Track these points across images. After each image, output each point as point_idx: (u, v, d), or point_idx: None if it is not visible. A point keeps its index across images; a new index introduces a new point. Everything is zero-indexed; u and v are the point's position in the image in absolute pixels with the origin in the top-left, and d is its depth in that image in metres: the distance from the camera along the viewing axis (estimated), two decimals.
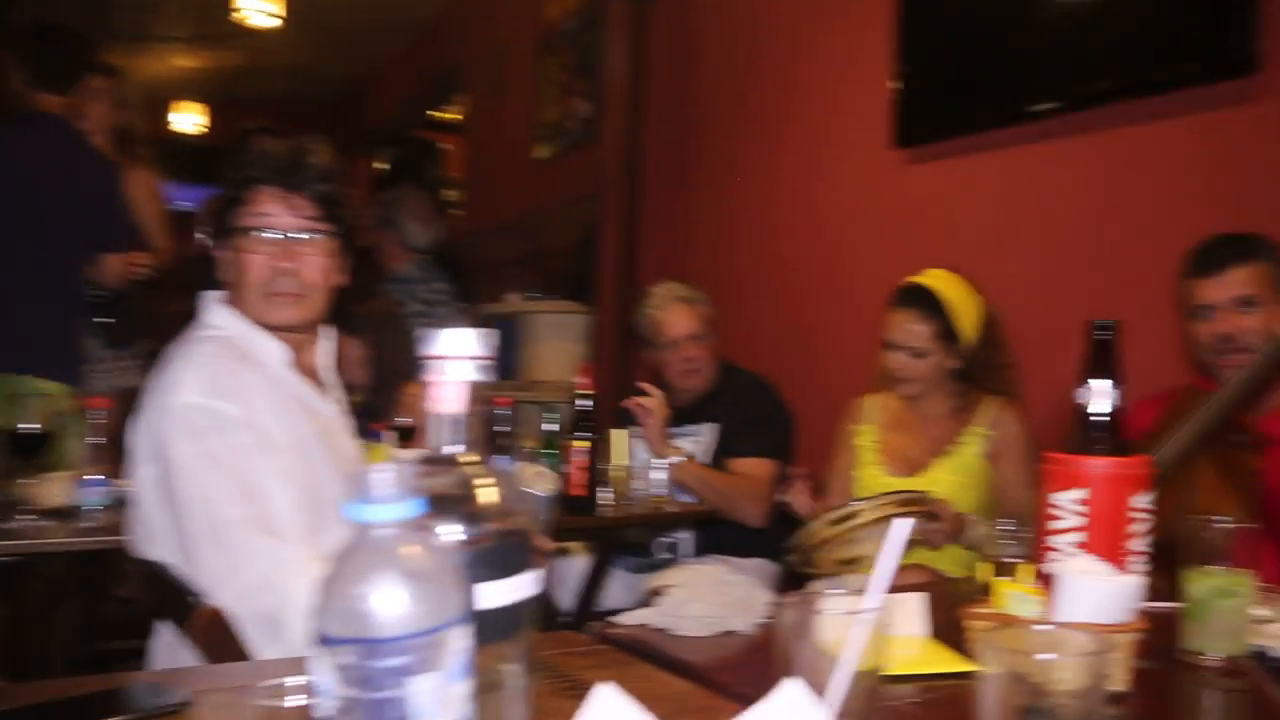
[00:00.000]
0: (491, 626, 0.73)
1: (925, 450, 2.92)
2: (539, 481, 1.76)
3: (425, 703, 0.59)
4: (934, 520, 2.53)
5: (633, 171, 5.29)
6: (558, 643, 1.49)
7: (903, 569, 2.51)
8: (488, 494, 0.74)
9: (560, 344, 5.69)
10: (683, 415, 3.50)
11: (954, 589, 2.15)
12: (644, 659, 1.40)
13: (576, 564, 3.32)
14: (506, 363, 6.22)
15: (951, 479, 2.81)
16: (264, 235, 1.88)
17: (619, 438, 3.04)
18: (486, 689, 0.75)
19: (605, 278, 5.45)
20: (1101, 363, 1.36)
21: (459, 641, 0.60)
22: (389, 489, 0.59)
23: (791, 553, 2.59)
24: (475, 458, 0.75)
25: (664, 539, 3.41)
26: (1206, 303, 2.27)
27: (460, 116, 8.70)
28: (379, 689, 0.58)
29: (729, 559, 3.34)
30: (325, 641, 0.58)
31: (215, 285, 1.97)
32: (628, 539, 3.36)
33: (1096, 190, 3.14)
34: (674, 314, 3.46)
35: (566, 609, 3.24)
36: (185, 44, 8.94)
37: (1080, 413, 1.37)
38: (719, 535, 3.32)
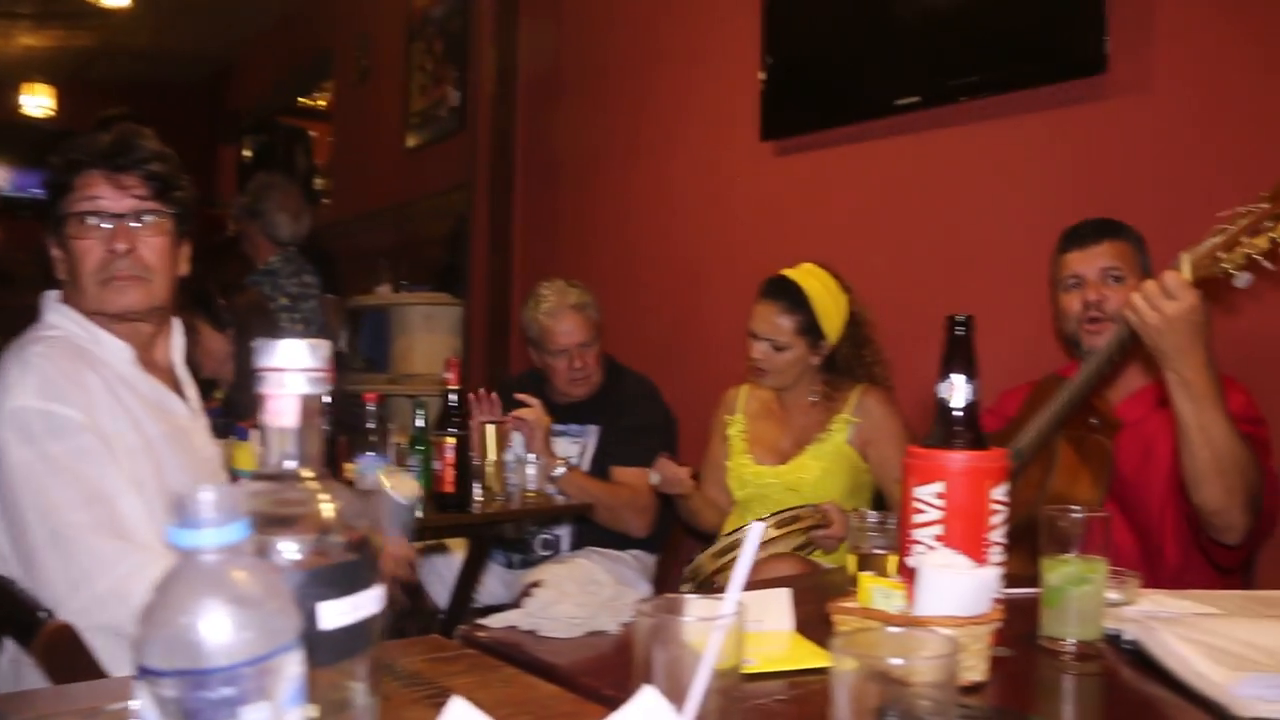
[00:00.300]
0: (335, 646, 0.70)
1: (793, 440, 2.96)
2: (400, 487, 1.71)
3: None
4: (822, 528, 2.57)
5: (503, 161, 5.23)
6: (424, 648, 1.46)
7: (777, 559, 2.55)
8: (326, 509, 0.71)
9: (432, 336, 5.61)
10: (566, 414, 3.48)
11: (826, 580, 2.17)
12: (510, 662, 1.37)
13: (453, 560, 3.28)
14: (377, 355, 6.12)
15: (818, 466, 2.86)
16: (95, 220, 1.80)
17: (491, 432, 2.99)
18: (332, 710, 0.72)
19: (477, 268, 5.39)
20: (958, 357, 1.38)
21: (292, 667, 0.57)
22: (212, 511, 0.56)
23: (683, 585, 2.62)
24: (312, 472, 0.71)
25: (543, 534, 3.39)
26: (1077, 273, 2.36)
27: (329, 103, 8.52)
28: None
29: (607, 551, 3.34)
30: (145, 673, 0.55)
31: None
32: (503, 535, 3.33)
33: (958, 183, 3.21)
34: (564, 323, 3.39)
35: (442, 606, 3.20)
36: (32, 21, 8.50)
37: (939, 407, 1.38)
38: (597, 528, 3.31)
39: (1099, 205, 2.61)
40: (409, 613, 2.92)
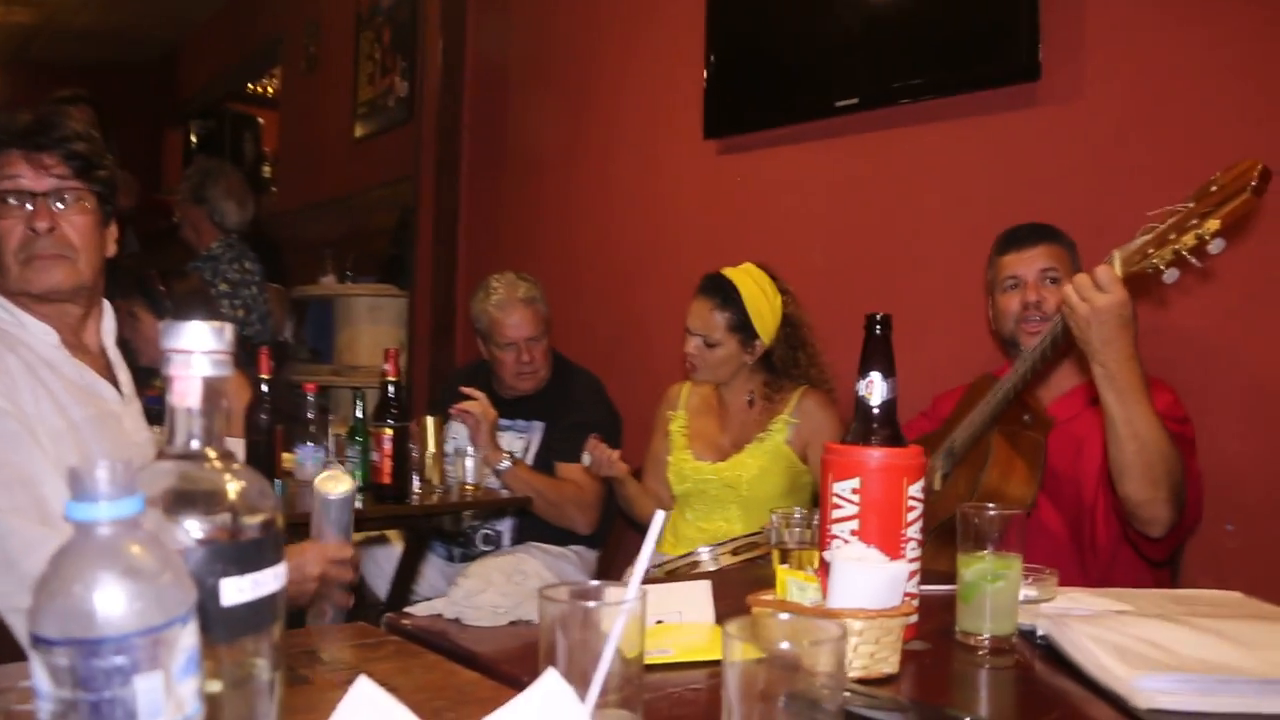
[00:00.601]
0: (237, 622, 0.71)
1: (733, 438, 2.99)
2: (331, 482, 1.71)
3: (149, 701, 0.57)
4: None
5: (449, 152, 5.22)
6: (350, 634, 1.47)
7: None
8: (231, 488, 0.72)
9: (377, 327, 5.59)
10: (512, 408, 3.48)
11: (755, 575, 2.20)
12: (434, 649, 1.39)
13: (393, 552, 3.27)
14: (322, 346, 6.09)
15: (756, 464, 2.89)
16: (15, 201, 1.79)
17: (430, 424, 2.99)
18: (235, 684, 0.73)
19: (422, 260, 5.38)
20: (877, 355, 1.41)
21: (186, 639, 0.58)
22: (107, 486, 0.57)
23: None
24: (216, 452, 0.72)
25: (484, 529, 3.39)
26: (1015, 274, 2.43)
27: (277, 91, 8.45)
28: (98, 690, 0.55)
29: (548, 547, 3.35)
30: (39, 642, 0.56)
31: None
32: (441, 527, 3.34)
33: (896, 184, 3.26)
34: (514, 316, 3.38)
35: (383, 598, 3.20)
36: None
37: (857, 404, 1.41)
38: (538, 523, 3.31)
39: (1033, 208, 2.66)
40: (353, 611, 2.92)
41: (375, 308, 5.62)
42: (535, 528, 3.34)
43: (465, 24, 5.25)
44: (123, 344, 2.08)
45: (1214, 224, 1.70)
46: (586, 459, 2.94)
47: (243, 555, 0.71)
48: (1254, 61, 2.49)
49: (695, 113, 3.82)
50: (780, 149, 3.61)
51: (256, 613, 0.72)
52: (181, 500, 0.70)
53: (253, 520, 0.72)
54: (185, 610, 0.59)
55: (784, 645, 0.77)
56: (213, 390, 0.72)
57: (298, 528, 2.37)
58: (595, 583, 0.92)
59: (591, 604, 0.86)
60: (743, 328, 2.89)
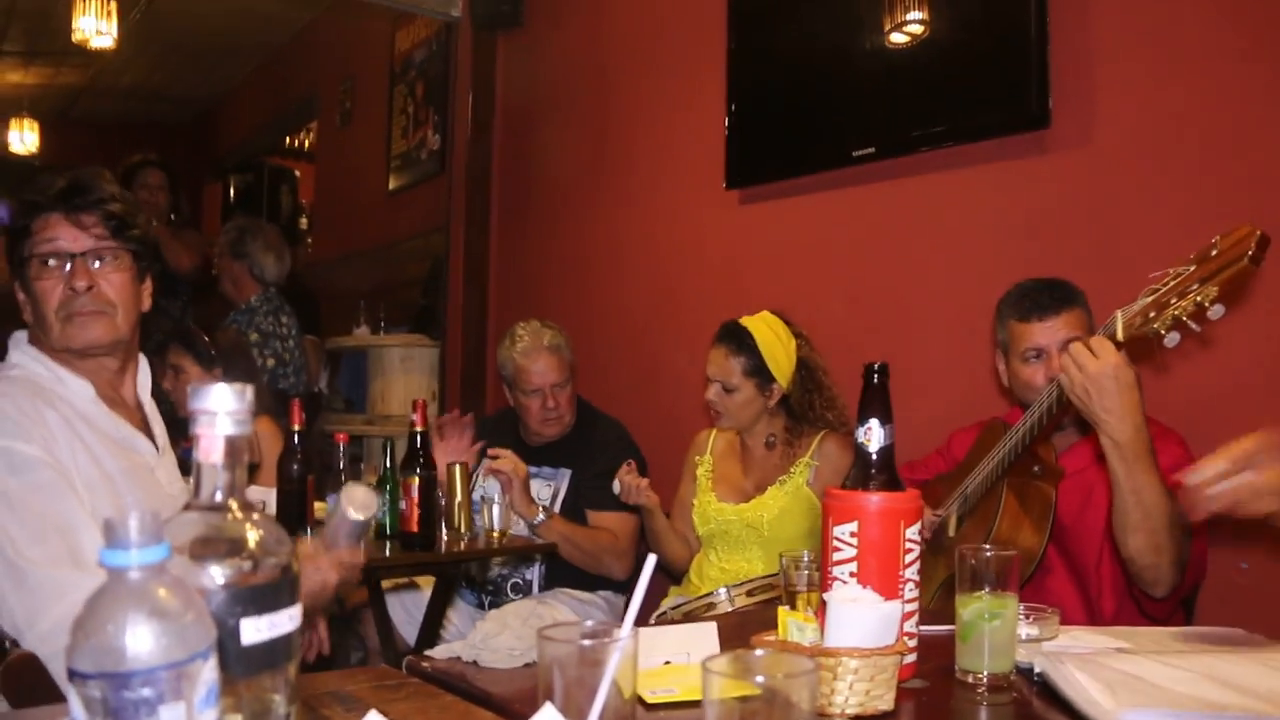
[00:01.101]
0: (255, 659, 0.78)
1: (756, 480, 3.06)
2: (360, 503, 1.79)
3: None
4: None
5: (479, 203, 5.33)
6: (370, 676, 1.53)
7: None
8: (251, 537, 0.79)
9: (409, 377, 5.68)
10: (539, 455, 3.54)
11: (765, 617, 2.24)
12: (451, 691, 1.44)
13: (422, 599, 3.33)
14: (356, 396, 6.18)
15: (777, 506, 2.95)
16: (55, 261, 1.89)
17: (457, 472, 3.06)
18: (254, 717, 0.80)
19: (453, 310, 5.47)
20: (874, 403, 1.47)
21: (206, 673, 0.65)
22: (137, 535, 0.64)
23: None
24: (238, 503, 0.80)
25: (514, 578, 3.44)
26: (1037, 345, 2.36)
27: (313, 144, 8.63)
28: (128, 718, 0.62)
29: (576, 593, 3.39)
30: (74, 676, 0.63)
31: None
32: (469, 573, 3.40)
33: (912, 231, 3.32)
34: (539, 363, 3.44)
35: (410, 644, 3.25)
36: (20, 58, 8.60)
37: (857, 450, 1.47)
38: (566, 569, 3.36)
39: (1043, 254, 2.72)
40: (344, 632, 2.99)
41: (407, 358, 5.72)
42: (563, 574, 3.38)
43: (495, 78, 5.38)
44: (163, 396, 2.17)
45: (1212, 290, 1.72)
46: (616, 486, 2.98)
47: (261, 598, 0.78)
48: (1260, 109, 2.54)
49: (717, 163, 3.91)
50: (800, 198, 3.69)
51: (273, 651, 0.79)
52: (206, 548, 0.78)
53: (270, 566, 0.79)
54: (206, 647, 0.66)
55: (759, 679, 0.82)
56: (234, 447, 0.80)
57: None
58: (590, 623, 0.98)
59: (586, 642, 0.92)
60: (758, 372, 2.97)
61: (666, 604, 2.93)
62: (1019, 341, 2.39)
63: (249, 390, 0.79)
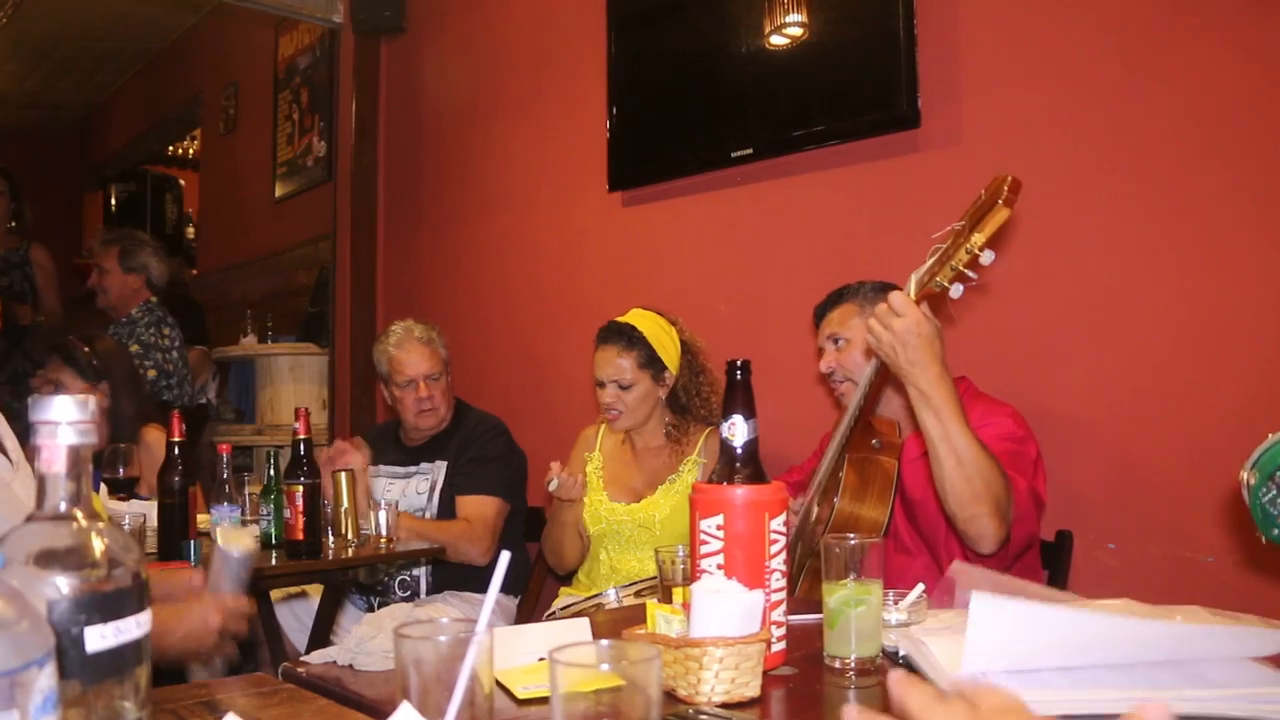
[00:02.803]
0: (101, 666, 0.79)
1: (646, 480, 3.09)
2: (233, 540, 1.76)
3: None
4: None
5: (367, 210, 5.30)
6: (246, 684, 1.52)
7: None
8: (96, 545, 0.79)
9: (298, 385, 5.62)
10: (417, 454, 3.56)
11: (638, 612, 2.28)
12: (327, 695, 1.45)
13: (312, 606, 3.30)
14: (245, 406, 6.09)
15: (668, 505, 2.98)
16: None
17: (343, 479, 3.04)
18: None
19: (341, 318, 5.43)
20: (738, 399, 1.51)
21: (43, 681, 0.66)
22: None
23: None
24: (82, 513, 0.80)
25: (401, 576, 3.43)
26: (819, 343, 2.63)
27: (197, 152, 8.47)
28: None
29: (465, 594, 3.40)
30: None
31: None
32: (357, 579, 3.38)
33: (791, 230, 3.39)
34: (411, 353, 3.49)
35: (300, 651, 3.22)
36: None
37: (722, 445, 1.51)
38: (453, 571, 3.38)
39: (917, 249, 2.78)
40: (242, 664, 2.96)
41: (296, 366, 5.66)
42: (450, 575, 3.40)
43: (379, 83, 5.34)
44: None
45: (979, 238, 1.82)
46: (553, 485, 2.96)
47: (106, 605, 0.79)
48: (1120, 105, 2.65)
49: (600, 165, 3.94)
50: (682, 199, 3.74)
51: (121, 657, 0.79)
52: (49, 558, 0.78)
53: (116, 573, 0.80)
54: (42, 654, 0.66)
55: (604, 667, 0.84)
56: (78, 457, 0.80)
57: None
58: (445, 620, 0.99)
59: (441, 638, 0.94)
60: (651, 363, 3.01)
61: (557, 604, 2.94)
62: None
63: (92, 400, 0.80)
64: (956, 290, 1.88)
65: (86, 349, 3.54)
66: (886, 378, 2.25)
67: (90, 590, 0.78)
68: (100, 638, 0.77)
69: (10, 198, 5.49)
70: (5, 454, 2.00)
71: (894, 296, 1.96)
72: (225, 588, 1.77)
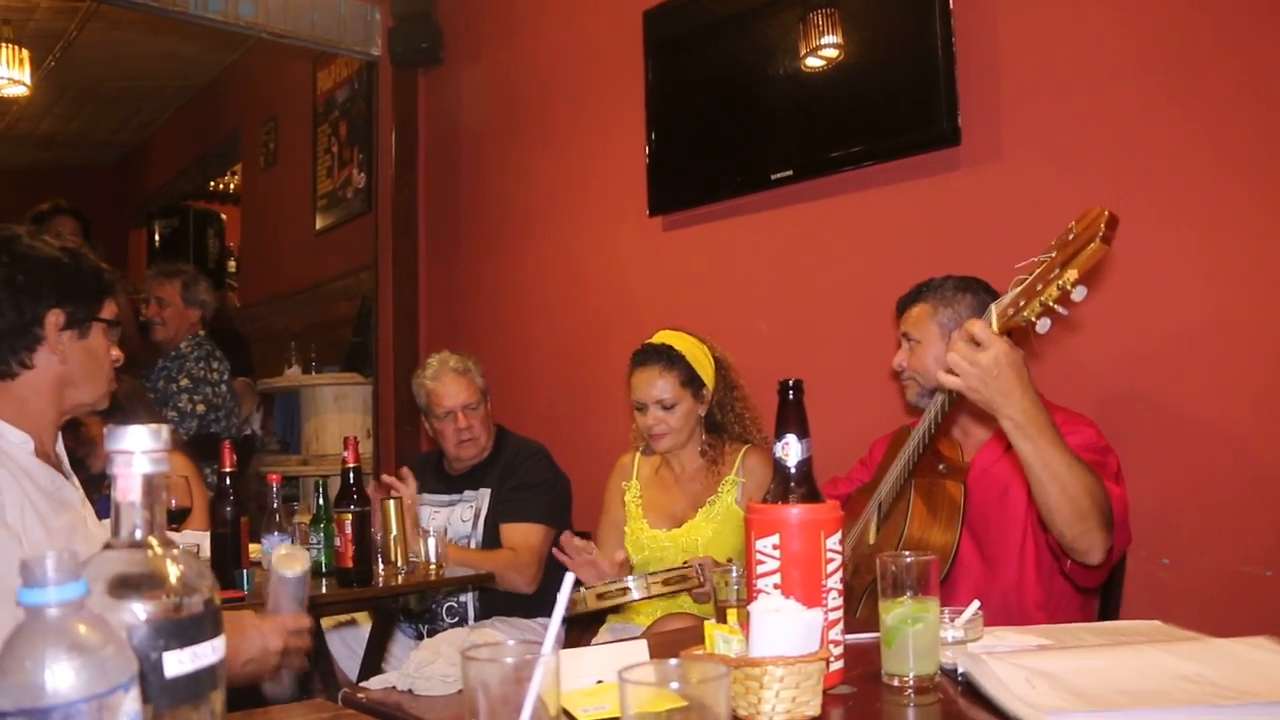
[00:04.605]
0: (179, 691, 0.80)
1: (685, 504, 3.07)
2: (288, 563, 1.78)
3: None
4: (700, 586, 2.64)
5: (406, 240, 5.34)
6: (306, 710, 1.53)
7: (670, 616, 2.64)
8: (171, 573, 0.81)
9: (343, 416, 5.66)
10: (461, 482, 3.58)
11: (693, 634, 2.27)
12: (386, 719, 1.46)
13: (362, 634, 3.32)
14: (290, 437, 6.14)
15: (710, 528, 2.97)
16: None
17: (391, 508, 3.06)
18: None
19: (383, 347, 5.47)
20: (791, 419, 1.51)
21: (128, 704, 0.67)
22: (53, 573, 0.66)
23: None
24: (157, 540, 0.81)
25: (448, 603, 3.44)
26: (897, 337, 2.61)
27: (238, 187, 8.58)
28: None
29: (513, 620, 3.40)
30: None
31: None
32: (408, 606, 3.39)
33: (830, 250, 3.39)
34: (448, 385, 3.52)
35: (352, 679, 3.24)
36: None
37: (776, 465, 1.51)
38: (501, 597, 3.38)
39: (957, 266, 2.78)
40: (310, 675, 2.97)
41: (340, 396, 5.70)
42: (498, 601, 3.40)
43: (417, 115, 5.40)
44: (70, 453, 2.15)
45: (1072, 274, 1.77)
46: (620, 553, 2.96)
47: (183, 631, 0.80)
48: (1161, 118, 2.63)
49: (640, 191, 3.96)
50: (721, 222, 3.75)
51: (197, 682, 0.81)
52: (127, 584, 0.79)
53: (191, 600, 0.81)
54: (127, 679, 0.67)
55: (674, 685, 0.85)
56: (152, 485, 0.82)
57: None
58: (512, 642, 1.00)
59: (509, 660, 0.94)
60: (692, 381, 3.02)
61: (589, 593, 2.82)
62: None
63: (165, 430, 0.81)
64: (1044, 325, 1.83)
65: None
66: (960, 408, 2.21)
67: (167, 616, 0.79)
68: (178, 663, 0.79)
69: (82, 238, 5.56)
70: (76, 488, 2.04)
71: (976, 328, 1.92)
72: (285, 608, 1.79)
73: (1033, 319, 1.84)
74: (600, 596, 2.53)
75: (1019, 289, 1.87)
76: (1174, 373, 2.63)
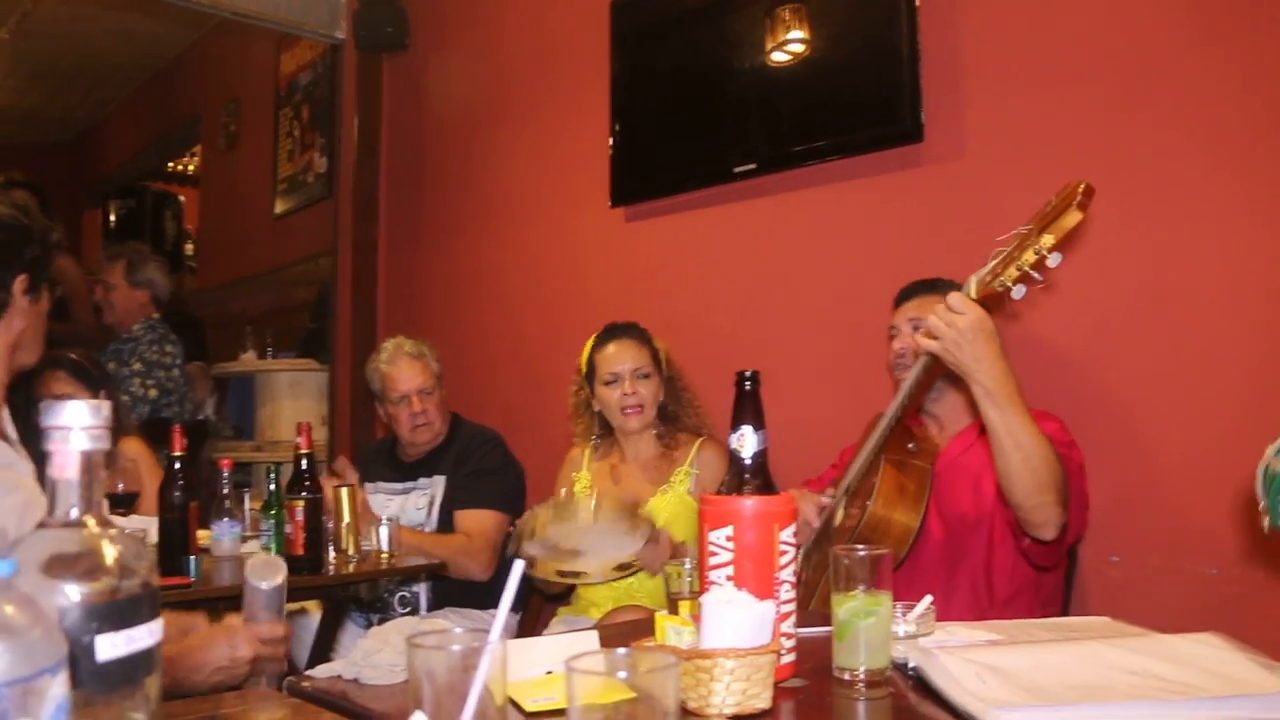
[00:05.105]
0: (112, 676, 0.77)
1: (637, 493, 3.06)
2: (265, 571, 1.76)
3: None
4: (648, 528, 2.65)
5: (366, 226, 5.30)
6: (251, 699, 1.51)
7: (624, 609, 2.63)
8: (108, 553, 0.78)
9: (298, 402, 5.60)
10: (415, 469, 3.55)
11: (644, 625, 2.26)
12: (332, 709, 1.44)
13: (311, 622, 3.28)
14: (244, 422, 6.07)
15: (662, 518, 2.96)
16: None
17: (344, 495, 3.03)
18: None
19: (341, 334, 5.43)
20: (746, 410, 1.50)
21: (55, 689, 0.65)
22: None
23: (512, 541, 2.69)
24: (95, 519, 0.79)
25: (400, 592, 3.42)
26: (894, 324, 2.63)
27: (197, 169, 8.48)
28: None
29: (465, 610, 3.38)
30: None
31: None
32: (358, 595, 3.36)
33: (793, 244, 3.39)
34: (403, 369, 3.50)
35: (301, 668, 3.20)
36: None
37: (731, 456, 1.50)
38: (454, 587, 3.35)
39: (921, 261, 2.80)
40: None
41: (296, 382, 5.65)
42: (452, 591, 3.38)
43: (381, 100, 5.35)
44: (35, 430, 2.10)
45: (1049, 239, 1.84)
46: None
47: (117, 614, 0.77)
48: (1124, 115, 2.65)
49: (602, 181, 3.94)
50: (684, 214, 3.74)
51: (131, 666, 0.78)
52: (61, 564, 0.77)
53: (128, 581, 0.79)
54: (54, 662, 0.65)
55: (622, 675, 0.84)
56: (90, 463, 0.79)
57: (215, 602, 2.41)
58: (459, 629, 0.98)
59: (455, 647, 0.93)
60: (657, 358, 3.05)
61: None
62: (891, 324, 2.65)
63: (105, 405, 0.79)
64: (1019, 291, 1.90)
65: (85, 362, 3.53)
66: (931, 381, 2.26)
67: (102, 598, 0.77)
68: (111, 646, 0.76)
69: (39, 212, 5.45)
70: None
71: (953, 297, 1.98)
72: (260, 618, 1.77)
73: (1009, 284, 1.90)
74: (553, 515, 2.53)
75: (997, 259, 1.93)
76: (1121, 373, 2.65)
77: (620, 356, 3.05)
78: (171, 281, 5.11)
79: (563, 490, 2.89)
